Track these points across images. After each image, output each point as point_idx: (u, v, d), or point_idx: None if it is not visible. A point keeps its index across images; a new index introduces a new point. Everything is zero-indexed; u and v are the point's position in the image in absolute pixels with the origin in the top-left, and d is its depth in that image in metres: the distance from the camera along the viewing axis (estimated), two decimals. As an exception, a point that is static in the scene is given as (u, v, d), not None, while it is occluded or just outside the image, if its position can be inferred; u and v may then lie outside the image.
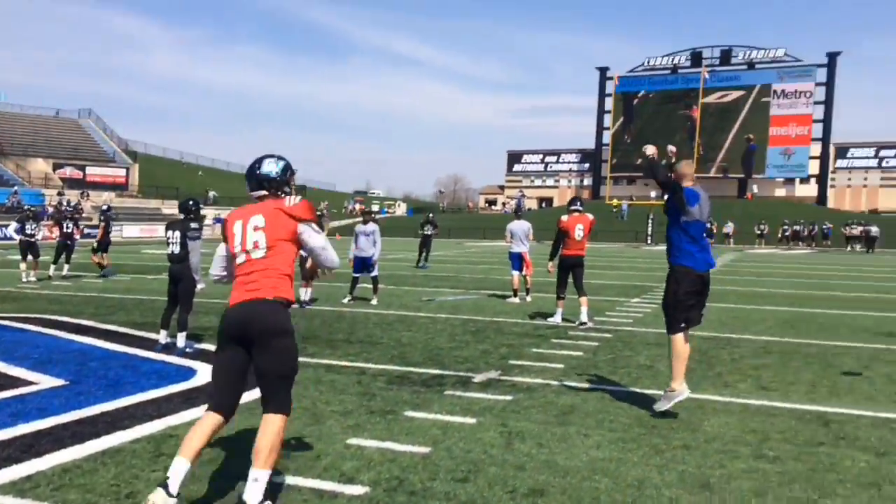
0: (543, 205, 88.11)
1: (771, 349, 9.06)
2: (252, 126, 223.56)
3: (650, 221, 53.32)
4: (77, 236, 18.04)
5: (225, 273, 4.12)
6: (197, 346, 8.48)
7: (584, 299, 10.83)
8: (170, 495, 3.44)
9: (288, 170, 4.04)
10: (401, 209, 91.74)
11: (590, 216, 11.18)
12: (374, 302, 12.93)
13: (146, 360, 7.69)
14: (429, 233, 23.45)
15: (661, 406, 5.81)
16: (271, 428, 3.65)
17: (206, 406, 3.80)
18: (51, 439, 4.88)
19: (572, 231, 10.90)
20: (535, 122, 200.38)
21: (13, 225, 16.78)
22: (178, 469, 3.52)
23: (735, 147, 76.48)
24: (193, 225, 8.42)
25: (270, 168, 4.00)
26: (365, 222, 13.29)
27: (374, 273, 13.19)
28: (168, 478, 3.50)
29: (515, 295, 13.99)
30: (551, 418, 5.69)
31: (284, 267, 3.85)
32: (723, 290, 16.47)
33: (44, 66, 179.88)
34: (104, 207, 19.76)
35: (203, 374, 7.10)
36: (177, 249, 8.39)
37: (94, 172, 59.07)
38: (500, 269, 21.07)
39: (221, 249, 4.10)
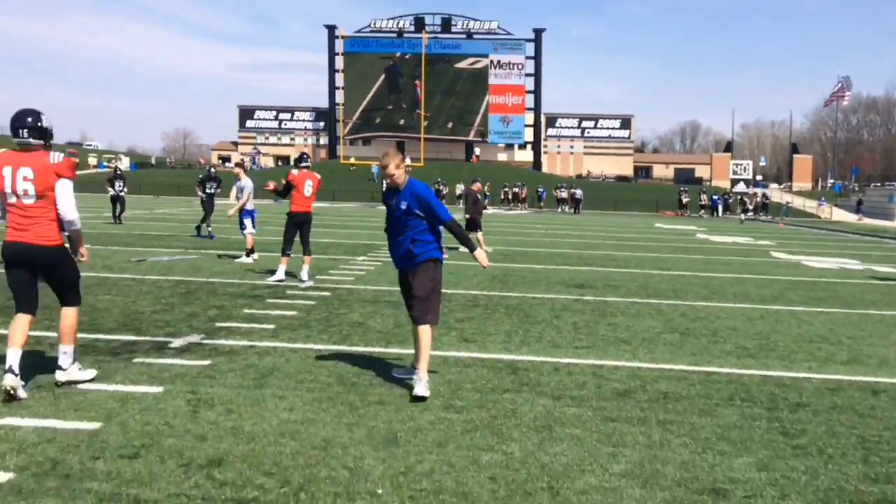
0: (280, 162, 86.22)
1: (478, 302, 9.56)
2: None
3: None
4: None
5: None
6: None
7: (307, 258, 10.82)
8: (15, 375, 4.73)
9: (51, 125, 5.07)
10: (124, 163, 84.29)
11: (317, 175, 11.08)
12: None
13: None
14: (212, 191, 19.00)
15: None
16: (68, 316, 5.18)
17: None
18: None
19: (301, 186, 10.80)
20: (266, 76, 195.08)
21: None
22: (15, 355, 4.81)
23: (461, 112, 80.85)
24: None
25: (44, 122, 5.03)
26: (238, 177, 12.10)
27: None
28: (10, 365, 4.75)
29: (248, 255, 13.41)
30: (248, 382, 5.43)
31: (51, 213, 4.92)
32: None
33: None
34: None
35: None
36: None
37: None
38: (233, 228, 20.17)
39: None
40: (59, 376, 5.14)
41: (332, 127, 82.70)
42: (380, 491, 3.60)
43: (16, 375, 4.75)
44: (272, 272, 11.10)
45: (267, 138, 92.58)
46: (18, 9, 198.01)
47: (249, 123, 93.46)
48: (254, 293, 9.61)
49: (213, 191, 19.14)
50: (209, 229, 18.39)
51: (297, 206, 10.82)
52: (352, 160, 73.54)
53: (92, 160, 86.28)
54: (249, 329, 7.30)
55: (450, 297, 9.86)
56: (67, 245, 5.22)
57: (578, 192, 52.15)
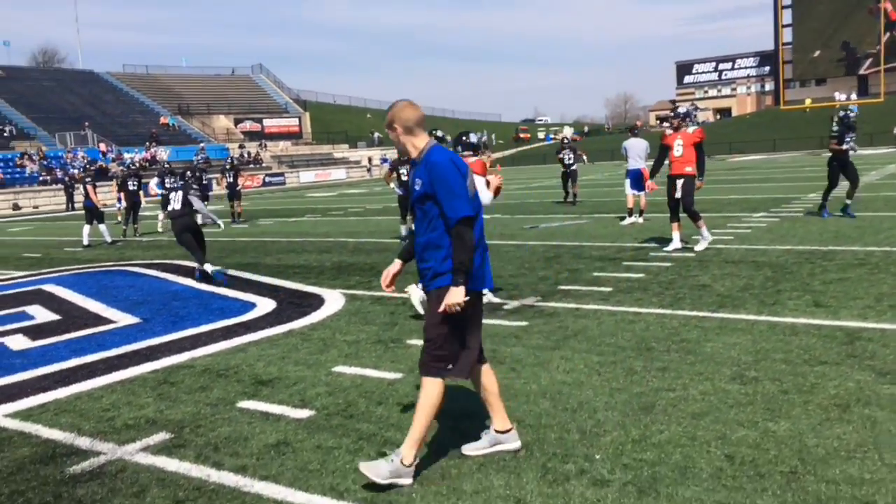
0: (719, 116, 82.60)
1: (868, 261, 8.23)
2: (420, 64, 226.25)
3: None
4: (142, 196, 18.25)
5: None
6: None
7: (700, 223, 9.81)
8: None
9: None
10: (567, 133, 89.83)
11: (690, 129, 10.33)
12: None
13: (221, 298, 8.43)
14: (570, 162, 18.43)
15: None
16: None
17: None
18: (85, 371, 5.61)
19: (671, 146, 10.24)
20: (705, 28, 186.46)
21: (153, 180, 18.55)
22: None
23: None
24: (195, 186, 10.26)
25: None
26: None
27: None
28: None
29: (630, 215, 13.55)
30: (549, 343, 5.67)
31: None
32: (874, 196, 14.97)
33: (216, 25, 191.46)
34: (229, 159, 21.49)
35: (262, 307, 7.72)
36: (177, 206, 9.71)
37: (271, 124, 63.04)
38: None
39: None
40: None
41: (777, 70, 76.14)
42: (597, 456, 3.57)
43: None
44: (667, 240, 10.24)
45: (706, 92, 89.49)
46: (484, 6, 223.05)
47: (687, 79, 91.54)
48: (616, 256, 9.72)
49: (569, 161, 18.35)
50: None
51: (673, 168, 10.35)
52: (807, 102, 66.82)
53: (541, 134, 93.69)
54: (586, 292, 7.49)
55: (833, 255, 8.68)
56: None
57: None
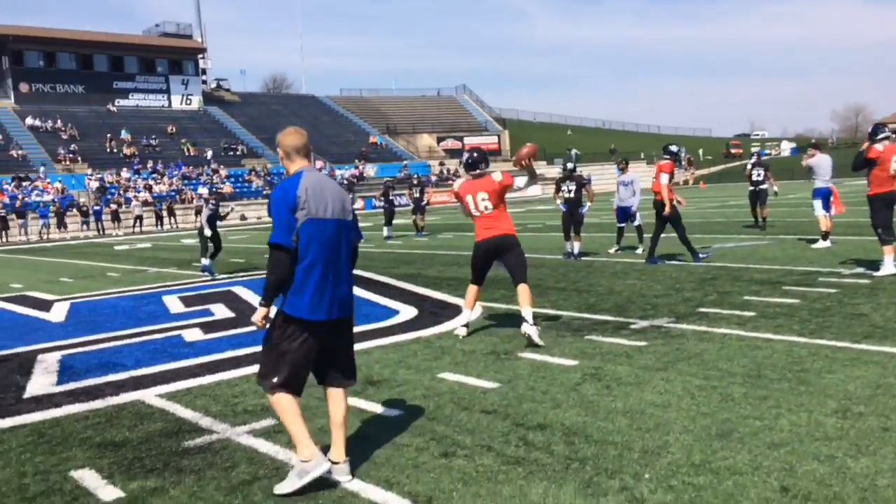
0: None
1: None
2: (625, 79, 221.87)
3: None
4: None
5: None
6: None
7: (888, 248, 8.99)
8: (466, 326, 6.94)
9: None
10: (785, 149, 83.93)
11: None
12: (638, 251, 12.86)
13: (372, 305, 9.06)
14: (758, 180, 16.21)
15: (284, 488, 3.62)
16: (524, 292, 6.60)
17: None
18: (233, 362, 6.36)
19: (887, 163, 9.03)
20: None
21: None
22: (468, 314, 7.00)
23: None
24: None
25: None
26: (623, 171, 13.24)
27: (637, 222, 13.07)
28: (467, 324, 6.98)
29: (824, 238, 12.47)
30: (657, 364, 5.58)
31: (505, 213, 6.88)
32: None
33: (427, 49, 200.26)
34: (416, 177, 22.84)
35: (404, 315, 8.23)
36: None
37: (471, 142, 64.96)
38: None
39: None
40: (525, 329, 6.44)
41: None
42: (647, 476, 3.56)
43: (530, 324, 6.43)
44: (867, 262, 9.51)
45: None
46: (699, 17, 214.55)
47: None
48: (779, 280, 9.16)
49: (758, 177, 16.27)
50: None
51: (882, 187, 9.10)
52: None
53: (755, 148, 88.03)
54: (725, 315, 7.20)
55: None
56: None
57: None
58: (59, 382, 5.89)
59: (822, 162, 12.89)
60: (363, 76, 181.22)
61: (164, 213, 38.30)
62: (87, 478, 3.88)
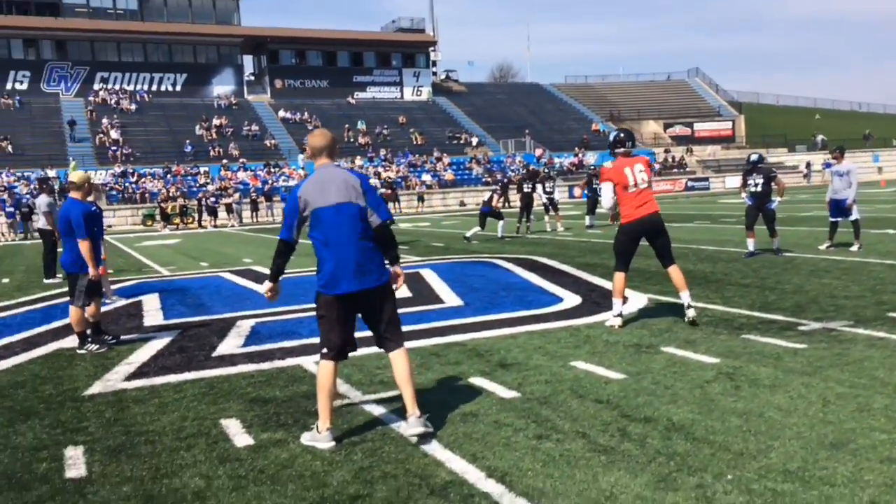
0: None
1: None
2: (889, 55, 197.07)
3: None
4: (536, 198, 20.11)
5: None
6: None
7: None
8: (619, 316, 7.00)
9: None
10: None
11: None
12: (853, 248, 11.75)
13: (540, 291, 9.24)
14: None
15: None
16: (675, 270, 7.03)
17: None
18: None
19: None
20: None
21: (539, 186, 20.09)
22: (619, 305, 7.05)
23: None
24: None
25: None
26: (837, 161, 12.10)
27: (853, 216, 11.91)
28: (620, 313, 6.99)
29: None
30: (806, 368, 5.25)
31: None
32: None
33: (657, 31, 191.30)
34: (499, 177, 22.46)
35: (567, 302, 8.35)
36: None
37: (701, 128, 61.99)
38: None
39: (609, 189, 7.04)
40: (689, 313, 6.82)
41: None
42: (729, 476, 3.49)
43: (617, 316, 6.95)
44: None
45: None
46: None
47: None
48: None
49: None
50: None
51: None
52: None
53: None
54: (916, 322, 6.51)
55: None
56: None
57: None
58: (244, 345, 6.80)
59: None
60: (591, 63, 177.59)
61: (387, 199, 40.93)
62: (232, 426, 4.55)
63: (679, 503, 3.25)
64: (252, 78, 60.17)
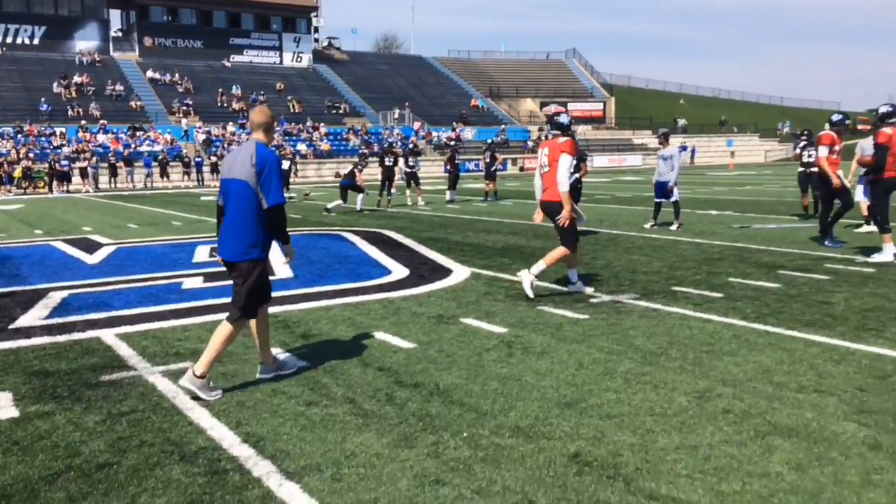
0: None
1: None
2: (757, 47, 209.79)
3: None
4: (397, 173, 20.26)
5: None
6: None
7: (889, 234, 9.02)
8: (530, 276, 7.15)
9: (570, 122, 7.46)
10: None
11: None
12: (673, 227, 12.67)
13: (373, 265, 9.49)
14: (810, 160, 14.05)
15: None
16: (558, 250, 7.23)
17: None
18: (202, 310, 6.94)
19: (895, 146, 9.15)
20: None
21: (401, 160, 20.44)
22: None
23: None
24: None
25: (561, 119, 7.35)
26: (663, 145, 12.98)
27: (674, 198, 12.83)
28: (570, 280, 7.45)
29: (868, 223, 11.97)
30: (577, 336, 5.74)
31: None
32: None
33: (540, 9, 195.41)
34: (488, 141, 23.04)
35: (394, 275, 8.63)
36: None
37: (575, 108, 63.90)
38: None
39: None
40: (522, 274, 7.27)
41: None
42: (465, 434, 3.84)
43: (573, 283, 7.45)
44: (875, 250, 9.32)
45: None
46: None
47: None
48: (785, 263, 8.93)
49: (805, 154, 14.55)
50: None
51: (892, 170, 9.17)
52: None
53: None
54: (693, 295, 7.19)
55: None
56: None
57: None
58: (47, 317, 6.66)
59: (865, 145, 12.15)
60: (474, 38, 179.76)
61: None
62: (2, 398, 4.53)
63: (411, 458, 3.57)
64: (119, 34, 57.02)
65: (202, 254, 10.67)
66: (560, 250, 7.19)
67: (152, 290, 8.00)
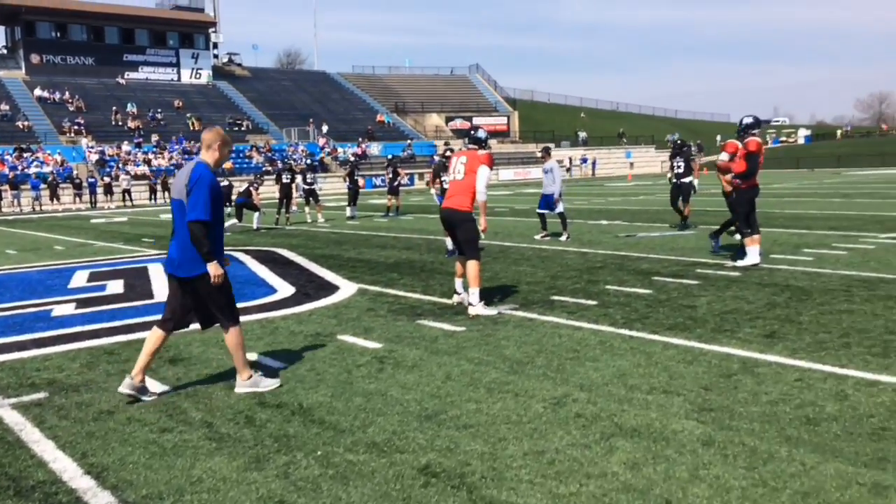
0: None
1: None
2: (649, 63, 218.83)
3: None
4: (295, 190, 20.02)
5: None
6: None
7: (756, 237, 9.43)
8: (458, 293, 7.53)
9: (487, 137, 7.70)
10: (800, 137, 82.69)
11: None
12: (562, 238, 12.99)
13: (259, 284, 9.35)
14: (679, 172, 14.74)
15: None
16: (470, 266, 7.14)
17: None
18: (69, 338, 6.68)
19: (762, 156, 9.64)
20: None
21: (298, 177, 20.31)
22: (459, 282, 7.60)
23: None
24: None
25: (479, 134, 7.62)
26: (544, 159, 13.35)
27: (559, 209, 13.18)
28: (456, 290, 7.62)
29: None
30: (450, 349, 5.81)
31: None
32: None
33: (443, 26, 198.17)
34: (390, 157, 23.00)
35: (280, 294, 8.52)
36: None
37: (480, 122, 64.75)
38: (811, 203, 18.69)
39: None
40: (470, 311, 7.12)
41: None
42: (319, 452, 3.82)
43: (458, 294, 7.57)
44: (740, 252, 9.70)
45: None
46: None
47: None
48: (660, 270, 9.30)
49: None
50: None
51: (752, 182, 9.65)
52: None
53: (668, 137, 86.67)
54: (569, 304, 7.39)
55: (877, 284, 7.72)
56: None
57: None
58: None
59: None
60: (379, 54, 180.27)
61: (159, 188, 38.80)
62: None
63: (258, 481, 3.52)
64: (4, 52, 54.38)
65: (80, 279, 10.24)
66: (473, 265, 7.19)
67: (19, 318, 7.62)
